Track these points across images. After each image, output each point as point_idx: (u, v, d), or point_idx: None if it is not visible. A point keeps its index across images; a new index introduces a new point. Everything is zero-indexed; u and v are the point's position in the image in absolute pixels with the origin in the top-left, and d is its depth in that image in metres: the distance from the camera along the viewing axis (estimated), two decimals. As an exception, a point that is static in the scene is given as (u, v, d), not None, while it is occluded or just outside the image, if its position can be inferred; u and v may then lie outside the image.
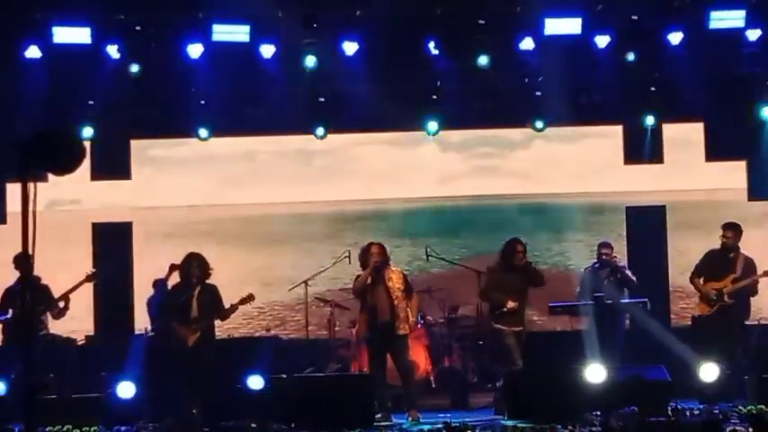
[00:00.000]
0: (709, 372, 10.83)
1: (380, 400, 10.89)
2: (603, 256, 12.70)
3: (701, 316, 11.46)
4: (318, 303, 13.73)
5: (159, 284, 11.79)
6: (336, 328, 13.54)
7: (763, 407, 10.03)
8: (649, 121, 14.64)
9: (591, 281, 12.68)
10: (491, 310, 11.47)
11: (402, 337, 11.09)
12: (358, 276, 11.28)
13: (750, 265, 11.53)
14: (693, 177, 15.31)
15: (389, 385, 11.25)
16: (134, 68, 13.20)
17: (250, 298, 11.17)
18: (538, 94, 14.32)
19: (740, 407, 10.13)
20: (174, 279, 11.43)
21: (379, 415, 10.71)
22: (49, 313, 11.51)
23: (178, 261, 11.25)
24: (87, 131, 13.92)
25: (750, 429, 8.48)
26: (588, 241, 14.64)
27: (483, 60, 13.39)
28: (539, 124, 14.76)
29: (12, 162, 5.64)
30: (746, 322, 11.99)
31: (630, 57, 13.55)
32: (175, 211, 15.28)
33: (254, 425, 9.33)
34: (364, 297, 11.20)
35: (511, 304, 11.18)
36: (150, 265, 13.26)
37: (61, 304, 11.45)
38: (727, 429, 8.41)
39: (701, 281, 11.66)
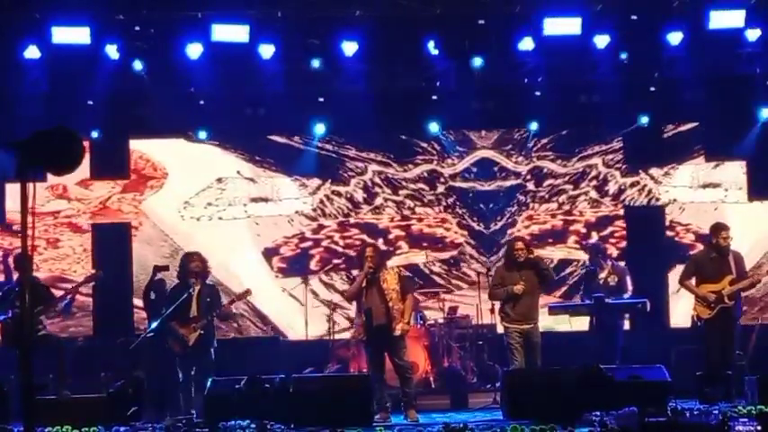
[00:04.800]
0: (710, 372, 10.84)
1: (379, 401, 10.88)
2: (600, 257, 12.75)
3: (702, 318, 11.39)
4: (318, 303, 13.74)
5: (156, 284, 11.78)
6: (335, 329, 13.56)
7: (763, 407, 10.02)
8: (648, 121, 14.64)
9: (589, 282, 12.70)
10: (499, 310, 11.43)
11: (398, 338, 11.04)
12: (353, 280, 11.23)
13: (740, 260, 11.46)
14: (693, 178, 15.29)
15: (388, 385, 11.23)
16: (138, 66, 13.23)
17: (247, 293, 11.25)
18: (537, 94, 14.32)
19: (740, 407, 10.12)
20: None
21: (378, 415, 10.69)
22: (52, 310, 11.49)
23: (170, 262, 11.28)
24: (87, 131, 13.91)
25: (759, 428, 8.45)
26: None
27: (482, 61, 13.40)
28: (537, 125, 14.76)
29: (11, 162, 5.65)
30: (747, 323, 11.99)
31: (629, 57, 13.56)
32: (174, 210, 15.24)
33: (253, 425, 9.31)
34: (359, 300, 11.18)
35: (518, 287, 11.14)
36: (149, 266, 13.23)
37: (65, 301, 11.42)
38: (736, 428, 8.37)
39: (693, 282, 11.57)
